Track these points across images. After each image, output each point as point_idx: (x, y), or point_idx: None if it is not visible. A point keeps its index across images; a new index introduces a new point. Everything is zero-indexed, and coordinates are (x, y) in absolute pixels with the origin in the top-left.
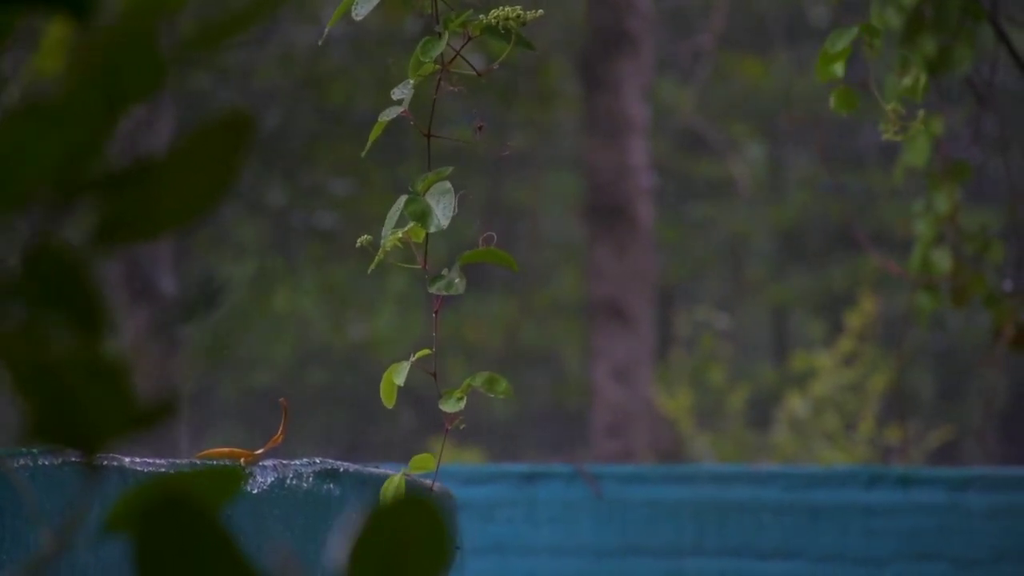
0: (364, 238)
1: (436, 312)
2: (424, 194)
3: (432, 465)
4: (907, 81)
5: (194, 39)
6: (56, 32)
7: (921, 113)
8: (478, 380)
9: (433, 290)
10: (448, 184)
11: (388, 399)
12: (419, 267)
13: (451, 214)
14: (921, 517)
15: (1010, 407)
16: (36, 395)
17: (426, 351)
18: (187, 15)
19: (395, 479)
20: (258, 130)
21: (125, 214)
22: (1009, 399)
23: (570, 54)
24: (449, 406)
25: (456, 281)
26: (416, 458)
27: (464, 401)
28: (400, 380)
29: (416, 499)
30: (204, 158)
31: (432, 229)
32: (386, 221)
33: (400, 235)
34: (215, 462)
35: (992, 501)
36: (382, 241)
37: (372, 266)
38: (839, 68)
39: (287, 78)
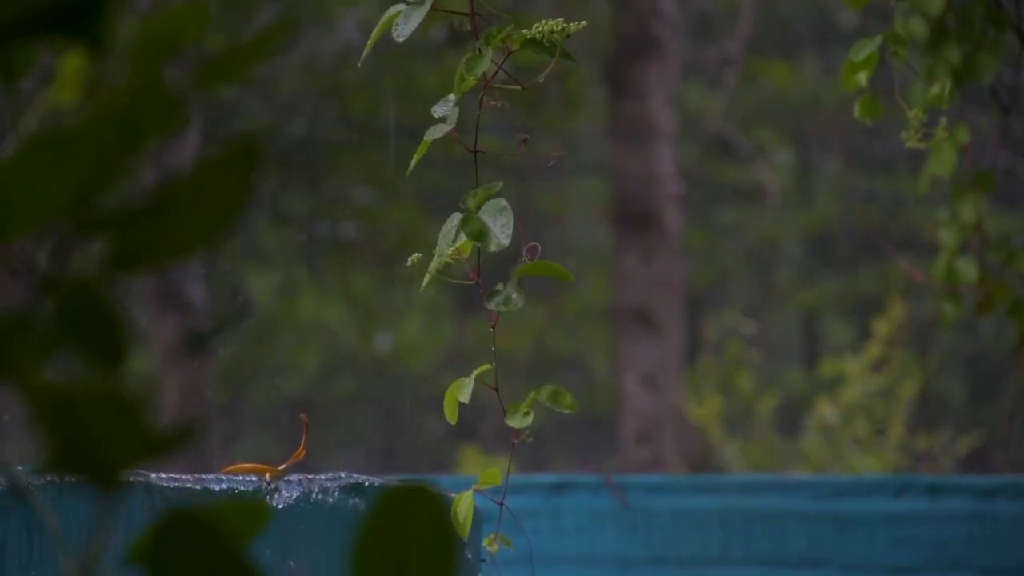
0: (415, 256)
1: (493, 327)
2: (477, 211)
3: (499, 479)
4: (935, 89)
5: (216, 66)
6: (73, 63)
7: (943, 121)
8: (543, 394)
9: (491, 306)
10: (503, 201)
11: (452, 416)
12: (468, 282)
13: (510, 231)
14: (949, 526)
15: None
16: (53, 425)
17: (487, 366)
18: (210, 33)
19: (466, 496)
20: (281, 139)
21: (138, 243)
22: None
23: (596, 61)
24: (516, 421)
25: (514, 296)
26: (484, 473)
27: (531, 416)
28: (465, 397)
29: (416, 491)
30: (215, 186)
31: (493, 248)
32: (440, 238)
33: (451, 252)
34: (241, 477)
35: (1020, 509)
36: (436, 259)
37: (424, 286)
38: (863, 77)
39: (311, 87)
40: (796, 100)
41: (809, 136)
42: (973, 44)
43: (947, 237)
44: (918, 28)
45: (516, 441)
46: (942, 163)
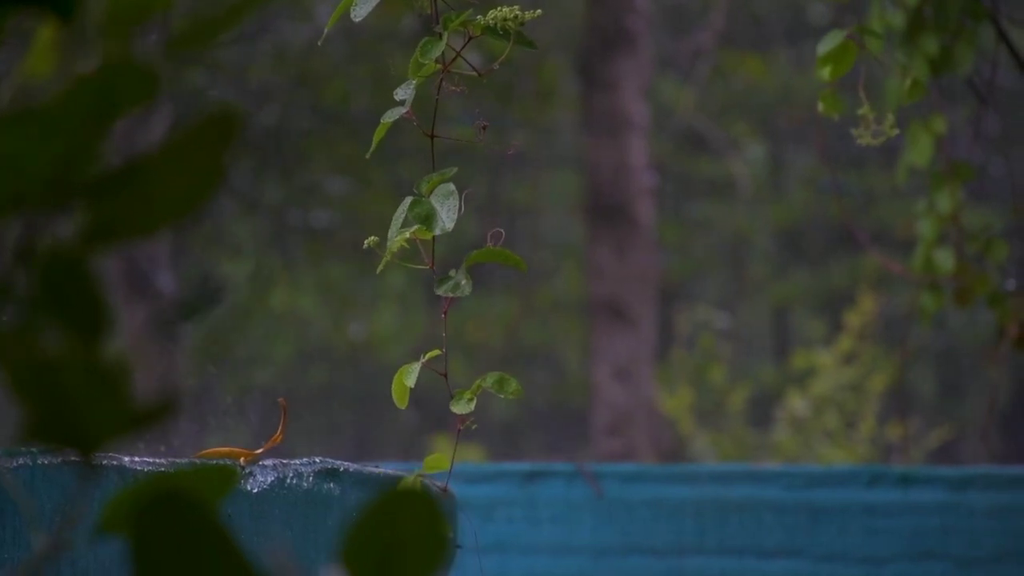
0: (371, 239)
1: (445, 313)
2: (428, 195)
3: (446, 465)
4: (907, 82)
5: (186, 36)
6: (46, 35)
7: (898, 120)
8: (488, 381)
9: (441, 292)
10: (452, 186)
11: (401, 401)
12: (425, 267)
13: (456, 216)
14: (922, 516)
15: (1011, 406)
16: (33, 396)
17: (436, 352)
18: (179, 10)
19: (409, 480)
20: (253, 127)
21: (115, 215)
22: (1011, 397)
23: (569, 53)
24: (460, 407)
25: (463, 283)
26: (430, 458)
27: (475, 402)
28: (411, 382)
29: (412, 494)
30: (192, 156)
31: (437, 231)
32: (392, 223)
33: (407, 236)
34: (214, 461)
35: (993, 500)
36: (388, 242)
37: (380, 267)
38: (832, 70)
39: (283, 75)
40: (768, 94)
41: (780, 130)
42: (950, 35)
43: (925, 228)
44: (895, 19)
45: (460, 428)
46: (919, 152)
